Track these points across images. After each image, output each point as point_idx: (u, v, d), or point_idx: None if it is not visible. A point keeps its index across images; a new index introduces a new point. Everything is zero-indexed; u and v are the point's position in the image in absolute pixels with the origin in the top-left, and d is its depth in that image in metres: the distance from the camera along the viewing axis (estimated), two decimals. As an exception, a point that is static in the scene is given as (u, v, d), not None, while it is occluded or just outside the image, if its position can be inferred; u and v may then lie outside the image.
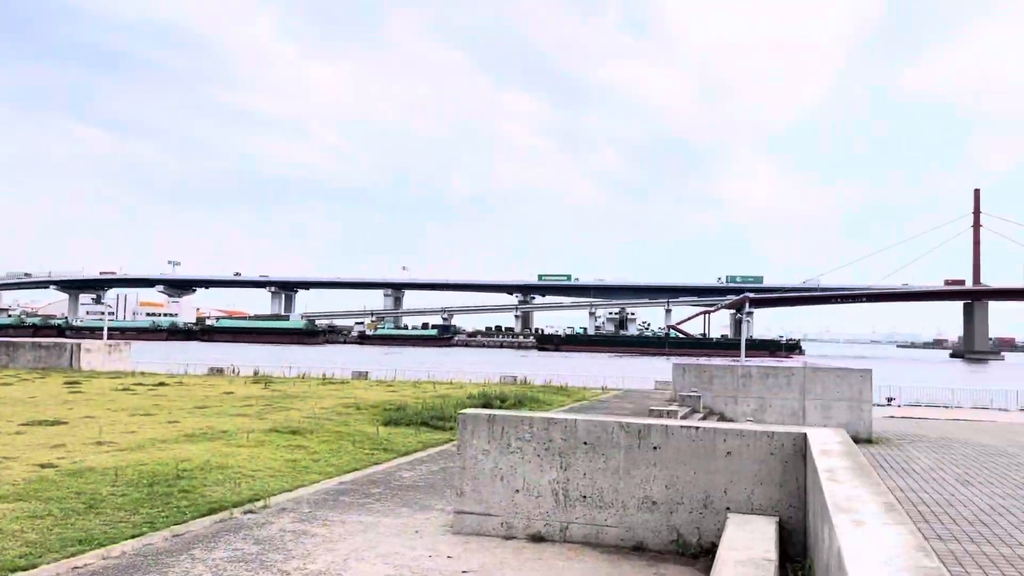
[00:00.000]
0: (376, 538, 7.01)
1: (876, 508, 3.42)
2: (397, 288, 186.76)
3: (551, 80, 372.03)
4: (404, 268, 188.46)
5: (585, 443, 6.94)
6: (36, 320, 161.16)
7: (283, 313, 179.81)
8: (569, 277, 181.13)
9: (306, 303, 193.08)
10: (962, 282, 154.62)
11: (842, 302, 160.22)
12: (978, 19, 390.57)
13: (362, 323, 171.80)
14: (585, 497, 6.87)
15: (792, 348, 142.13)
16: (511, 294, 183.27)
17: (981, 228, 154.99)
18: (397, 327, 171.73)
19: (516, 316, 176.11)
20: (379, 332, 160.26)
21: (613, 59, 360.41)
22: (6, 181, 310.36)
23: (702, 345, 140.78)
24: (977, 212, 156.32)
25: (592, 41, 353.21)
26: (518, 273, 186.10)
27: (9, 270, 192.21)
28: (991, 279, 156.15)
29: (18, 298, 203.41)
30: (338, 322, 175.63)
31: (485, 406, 17.03)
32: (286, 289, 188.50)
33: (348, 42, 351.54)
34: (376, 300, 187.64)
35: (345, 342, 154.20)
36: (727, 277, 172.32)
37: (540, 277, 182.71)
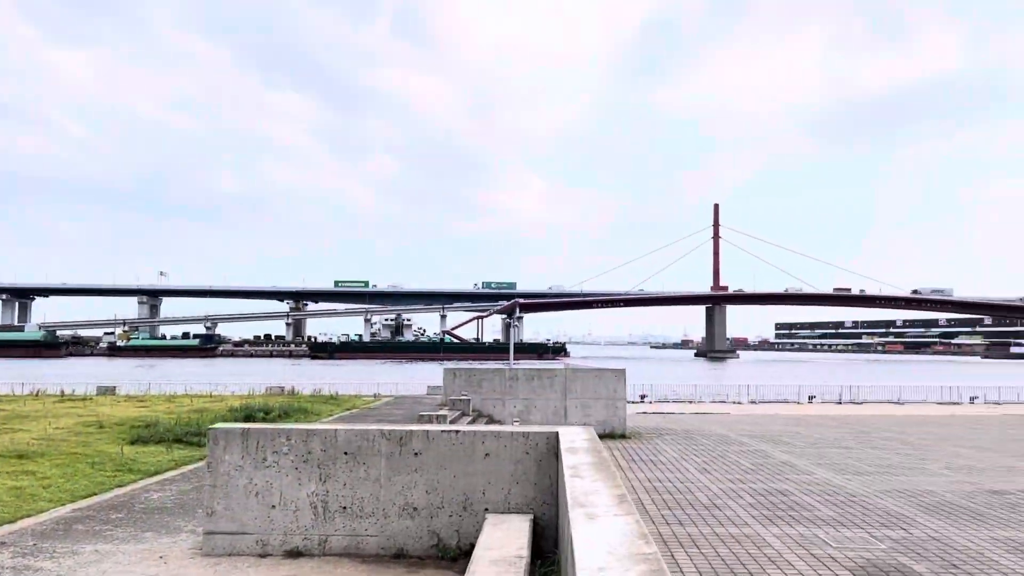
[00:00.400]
0: (113, 568, 6.40)
1: (609, 501, 3.65)
2: (153, 295, 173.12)
3: (323, 82, 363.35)
4: (162, 274, 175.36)
5: (346, 453, 6.80)
6: None
7: (16, 324, 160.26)
8: (367, 283, 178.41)
9: (45, 312, 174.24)
10: (725, 288, 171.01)
11: (603, 307, 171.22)
12: (717, 49, 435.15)
13: (112, 333, 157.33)
14: (345, 508, 6.72)
15: (558, 351, 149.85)
16: (282, 301, 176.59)
17: (720, 239, 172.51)
18: (153, 337, 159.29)
19: (288, 324, 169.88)
20: (132, 343, 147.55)
21: (386, 65, 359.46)
22: None
23: (475, 349, 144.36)
24: (716, 224, 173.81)
25: (364, 45, 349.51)
26: (291, 279, 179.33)
27: None
28: (731, 285, 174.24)
29: None
30: (84, 332, 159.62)
31: (247, 419, 16.24)
32: (20, 296, 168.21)
33: (100, 28, 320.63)
34: (129, 308, 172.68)
35: (92, 354, 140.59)
36: (483, 283, 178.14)
37: (336, 283, 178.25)
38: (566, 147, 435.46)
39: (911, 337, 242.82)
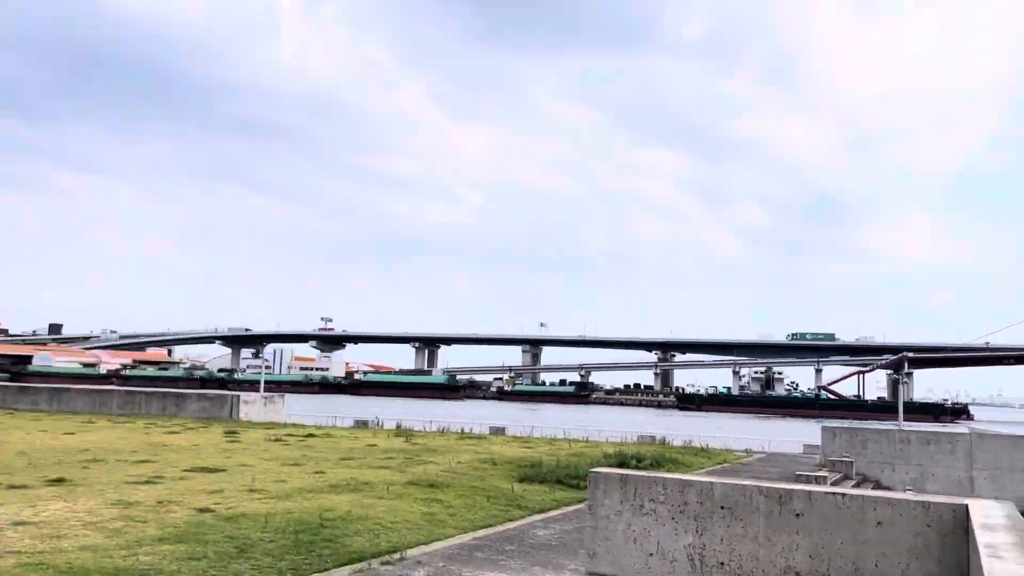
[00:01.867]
0: (508, 596, 6.99)
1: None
2: (535, 344, 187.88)
3: (690, 136, 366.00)
4: (542, 325, 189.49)
5: (722, 507, 6.69)
6: (203, 373, 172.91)
7: (426, 368, 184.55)
8: (832, 336, 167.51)
9: (447, 359, 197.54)
10: None
11: (1016, 363, 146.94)
12: None
13: (500, 379, 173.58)
14: (723, 564, 6.59)
15: (958, 413, 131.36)
16: (650, 351, 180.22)
17: None
18: (534, 383, 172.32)
19: (655, 374, 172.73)
20: (517, 388, 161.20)
21: (753, 112, 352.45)
22: (185, 244, 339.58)
23: (856, 407, 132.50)
24: None
25: (730, 94, 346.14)
26: (658, 329, 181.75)
27: (186, 327, 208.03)
28: None
29: (187, 352, 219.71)
30: (478, 377, 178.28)
31: (620, 466, 16.73)
32: (429, 345, 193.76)
33: (488, 106, 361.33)
34: (514, 356, 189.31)
35: (484, 397, 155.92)
36: (793, 334, 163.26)
37: (790, 336, 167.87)
38: (961, 186, 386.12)
39: None
